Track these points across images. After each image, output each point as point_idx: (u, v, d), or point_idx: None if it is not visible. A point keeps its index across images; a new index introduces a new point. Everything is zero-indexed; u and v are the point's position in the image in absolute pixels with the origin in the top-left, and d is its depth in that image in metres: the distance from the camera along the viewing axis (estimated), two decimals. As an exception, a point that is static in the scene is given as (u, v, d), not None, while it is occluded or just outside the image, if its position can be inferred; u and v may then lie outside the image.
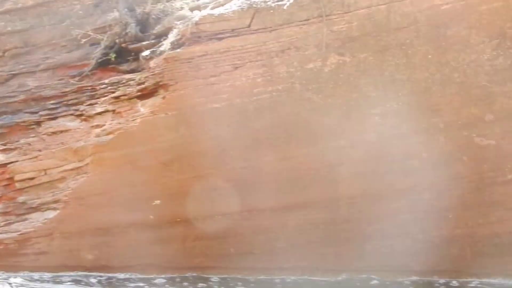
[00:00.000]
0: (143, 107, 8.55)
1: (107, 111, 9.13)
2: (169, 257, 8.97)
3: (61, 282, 8.74)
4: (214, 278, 8.69)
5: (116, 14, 9.88)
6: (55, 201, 9.21)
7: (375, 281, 8.25)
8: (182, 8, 9.14)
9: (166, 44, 8.83)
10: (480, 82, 7.73)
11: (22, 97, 10.06)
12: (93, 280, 8.86)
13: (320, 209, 8.32)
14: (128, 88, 9.06)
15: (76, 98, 9.47)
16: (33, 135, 9.42)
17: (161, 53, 8.87)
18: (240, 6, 8.15)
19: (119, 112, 9.01)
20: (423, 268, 8.24)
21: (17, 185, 9.46)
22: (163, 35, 9.25)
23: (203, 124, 8.33)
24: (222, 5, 8.34)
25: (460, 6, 7.68)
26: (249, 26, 8.15)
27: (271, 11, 7.98)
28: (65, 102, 9.61)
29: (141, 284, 8.59)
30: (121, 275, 9.06)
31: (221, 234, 8.74)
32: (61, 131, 9.19)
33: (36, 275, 9.05)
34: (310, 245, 8.40)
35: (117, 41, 9.67)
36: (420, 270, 8.25)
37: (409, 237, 8.20)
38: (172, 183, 8.74)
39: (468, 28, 7.67)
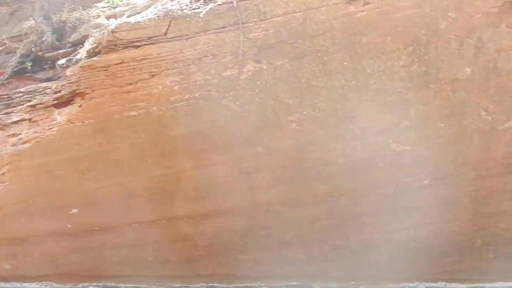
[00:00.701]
0: (60, 116, 8.34)
1: (23, 119, 8.85)
2: (87, 266, 8.79)
3: (-24, 293, 8.01)
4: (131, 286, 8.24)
5: (32, 22, 9.68)
6: (-28, 211, 8.34)
7: (293, 288, 7.42)
8: (98, 16, 8.97)
9: (82, 52, 8.65)
10: (396, 88, 7.66)
11: None
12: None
13: (238, 216, 8.14)
14: (45, 96, 8.81)
15: (-8, 107, 8.85)
16: (-51, 144, 8.83)
17: (78, 61, 8.68)
18: (156, 14, 7.99)
19: (35, 121, 8.73)
20: (341, 274, 8.22)
21: None
22: (79, 43, 9.07)
23: (120, 132, 8.14)
24: (139, 13, 8.17)
25: (375, 13, 7.58)
26: (165, 34, 7.98)
27: (188, 19, 7.80)
28: (-20, 111, 8.91)
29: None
30: (39, 285, 8.63)
31: (139, 242, 8.58)
32: (-23, 140, 8.60)
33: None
34: (229, 252, 8.26)
35: (33, 49, 9.42)
36: (338, 276, 8.22)
37: (327, 243, 8.19)
38: (89, 191, 8.51)
39: (383, 35, 7.57)
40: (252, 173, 8.07)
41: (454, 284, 8.02)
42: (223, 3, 7.84)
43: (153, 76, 8.11)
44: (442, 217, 7.91)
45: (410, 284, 8.04)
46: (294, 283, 8.23)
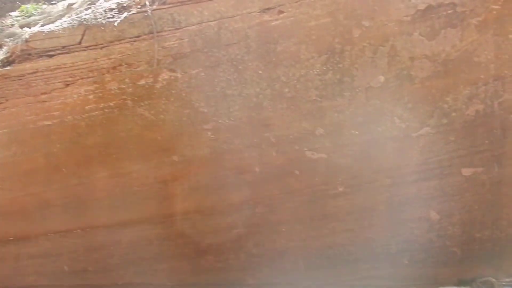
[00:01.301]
0: (-26, 126, 7.78)
1: None
2: (1, 277, 8.49)
3: None
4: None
5: None
6: None
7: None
8: (12, 25, 8.67)
9: (-5, 62, 8.00)
10: (310, 96, 7.66)
11: None
12: None
13: (154, 225, 8.02)
14: (-42, 106, 8.15)
15: None
16: None
17: (-9, 71, 7.93)
18: (70, 23, 7.78)
19: None
20: (257, 282, 8.15)
21: None
22: (-8, 53, 8.43)
23: (34, 141, 7.97)
24: (53, 22, 7.94)
25: (289, 22, 7.59)
26: (79, 43, 7.78)
27: (102, 27, 7.61)
28: None
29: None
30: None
31: (54, 252, 8.41)
32: None
33: None
34: (144, 261, 8.12)
35: None
36: (255, 284, 8.15)
37: (243, 251, 8.11)
38: (3, 201, 8.27)
39: (298, 44, 7.58)
40: (168, 182, 7.96)
41: None
42: (138, 12, 7.75)
43: (67, 85, 7.94)
44: (357, 224, 7.92)
45: None
46: (210, 292, 7.43)
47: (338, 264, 8.01)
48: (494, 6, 7.26)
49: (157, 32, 7.69)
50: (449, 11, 7.44)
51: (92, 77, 7.75)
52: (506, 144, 7.58)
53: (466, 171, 7.77)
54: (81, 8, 7.83)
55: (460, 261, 7.91)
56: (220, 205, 7.94)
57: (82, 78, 7.77)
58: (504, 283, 7.74)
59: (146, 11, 7.61)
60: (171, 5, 7.72)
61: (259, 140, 7.77)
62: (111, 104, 7.77)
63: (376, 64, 7.59)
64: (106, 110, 7.75)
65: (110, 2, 7.73)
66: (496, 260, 7.80)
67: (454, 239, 7.87)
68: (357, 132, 7.70)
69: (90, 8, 7.88)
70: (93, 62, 7.76)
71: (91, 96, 7.77)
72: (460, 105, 7.63)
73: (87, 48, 7.82)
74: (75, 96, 7.78)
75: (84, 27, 7.84)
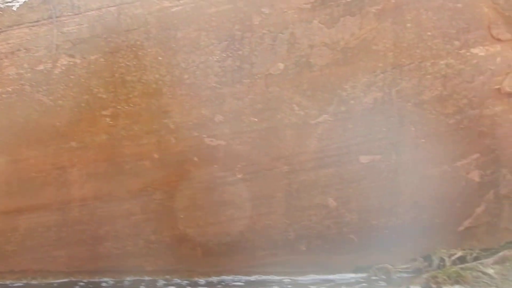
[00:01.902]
0: None
1: None
2: None
3: None
4: None
5: None
6: None
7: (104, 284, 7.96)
8: None
9: None
10: (210, 83, 7.57)
11: None
12: None
13: (52, 212, 7.88)
14: None
15: None
16: None
17: None
18: (-31, 7, 7.25)
19: None
20: (155, 268, 8.06)
21: None
22: None
23: None
24: (-49, 7, 7.63)
25: (189, 8, 7.52)
26: (-24, 27, 7.09)
27: (1, 12, 7.49)
28: None
29: None
30: None
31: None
32: None
33: None
34: (42, 248, 7.96)
35: None
36: (152, 270, 8.06)
37: (141, 238, 7.98)
38: None
39: (198, 30, 7.52)
40: (66, 168, 7.82)
41: (268, 277, 7.92)
42: (37, -4, 7.03)
43: (-34, 71, 7.13)
44: (256, 211, 7.83)
45: (226, 277, 7.95)
46: (108, 278, 8.01)
47: (236, 251, 7.86)
48: (392, -5, 6.55)
49: (56, 17, 7.49)
50: None
51: (-10, 62, 6.82)
52: (403, 132, 7.55)
53: (364, 159, 7.72)
54: (-22, -7, 7.48)
55: (357, 247, 7.80)
56: (118, 192, 7.80)
57: (-21, 63, 6.83)
58: (400, 270, 7.78)
59: (45, -4, 6.82)
60: (70, -10, 6.99)
61: (158, 127, 7.65)
62: (9, 89, 7.60)
63: (276, 51, 7.52)
64: (4, 95, 7.57)
65: (9, -14, 7.29)
66: (393, 246, 7.75)
67: (351, 226, 7.80)
68: (256, 119, 7.59)
69: (-13, -7, 7.39)
70: (-9, 47, 6.85)
71: (-12, 81, 6.82)
72: (358, 93, 7.55)
73: (-15, 33, 6.98)
74: (-27, 81, 6.86)
75: (-19, 12, 7.06)
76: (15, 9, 7.58)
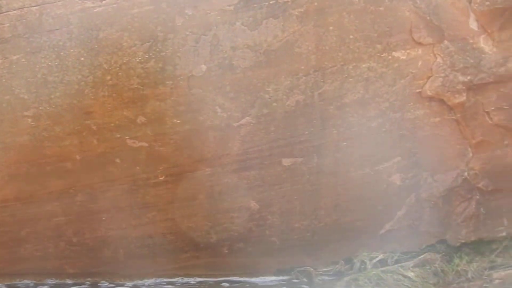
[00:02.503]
0: None
1: None
2: None
3: None
4: None
5: None
6: None
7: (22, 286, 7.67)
8: None
9: None
10: (132, 84, 7.47)
11: None
12: None
13: (-28, 213, 7.14)
14: None
15: None
16: None
17: None
18: None
19: None
20: (77, 271, 8.02)
21: None
22: None
23: None
24: None
25: (112, 9, 7.40)
26: None
27: None
28: None
29: None
30: None
31: None
32: None
33: None
34: (-41, 253, 7.25)
35: None
36: (74, 273, 8.03)
37: (63, 240, 7.90)
38: None
39: (120, 31, 7.40)
40: (-13, 169, 7.06)
41: (191, 279, 7.99)
42: (-45, -5, 6.93)
43: None
44: (178, 213, 7.81)
45: (148, 280, 7.95)
46: (29, 281, 7.94)
47: (158, 253, 7.86)
48: (315, -3, 6.53)
49: (-23, 17, 6.71)
50: (271, 2, 7.37)
51: None
52: (325, 135, 7.62)
53: (286, 161, 7.71)
54: None
55: (279, 250, 7.85)
56: (40, 193, 7.73)
57: None
58: (321, 272, 7.85)
59: (-36, -6, 6.78)
60: (-8, -11, 6.94)
61: (80, 128, 7.56)
62: None
63: (199, 53, 7.47)
64: None
65: None
66: (314, 249, 7.79)
67: (273, 228, 7.82)
68: (178, 121, 7.57)
69: None
70: None
71: None
72: (281, 95, 7.56)
73: None
74: None
75: None
76: None
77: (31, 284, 7.93)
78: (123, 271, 7.96)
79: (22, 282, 7.90)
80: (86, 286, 7.91)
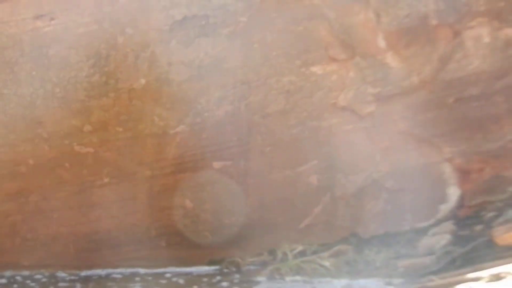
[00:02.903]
0: None
1: None
2: None
3: None
4: None
5: None
6: None
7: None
8: None
9: None
10: (79, 96, 8.01)
11: None
12: None
13: None
14: None
15: None
16: None
17: None
18: None
19: None
20: (31, 263, 8.50)
21: None
22: None
23: None
24: None
25: (60, 28, 7.98)
26: None
27: None
28: None
29: None
30: None
31: None
32: None
33: None
34: None
35: None
36: (29, 265, 8.49)
37: (18, 236, 8.44)
38: None
39: (68, 48, 7.96)
40: (-51, 174, 7.52)
41: (134, 269, 8.43)
42: None
43: None
44: (122, 211, 8.31)
45: (96, 271, 8.54)
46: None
47: (104, 247, 8.39)
48: (242, 19, 7.93)
49: None
50: (203, 22, 7.93)
51: None
52: (251, 141, 8.14)
53: (217, 164, 8.24)
54: None
55: (211, 243, 8.36)
56: (-6, 195, 7.46)
57: None
58: (248, 263, 8.34)
59: None
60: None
61: (33, 136, 8.10)
62: None
63: (138, 68, 8.01)
64: None
65: None
66: (242, 242, 8.31)
67: (206, 224, 8.34)
68: (121, 129, 8.14)
69: None
70: None
71: None
72: (212, 106, 8.10)
73: None
74: None
75: None
76: None
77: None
78: (73, 263, 8.50)
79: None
80: (39, 276, 8.38)
